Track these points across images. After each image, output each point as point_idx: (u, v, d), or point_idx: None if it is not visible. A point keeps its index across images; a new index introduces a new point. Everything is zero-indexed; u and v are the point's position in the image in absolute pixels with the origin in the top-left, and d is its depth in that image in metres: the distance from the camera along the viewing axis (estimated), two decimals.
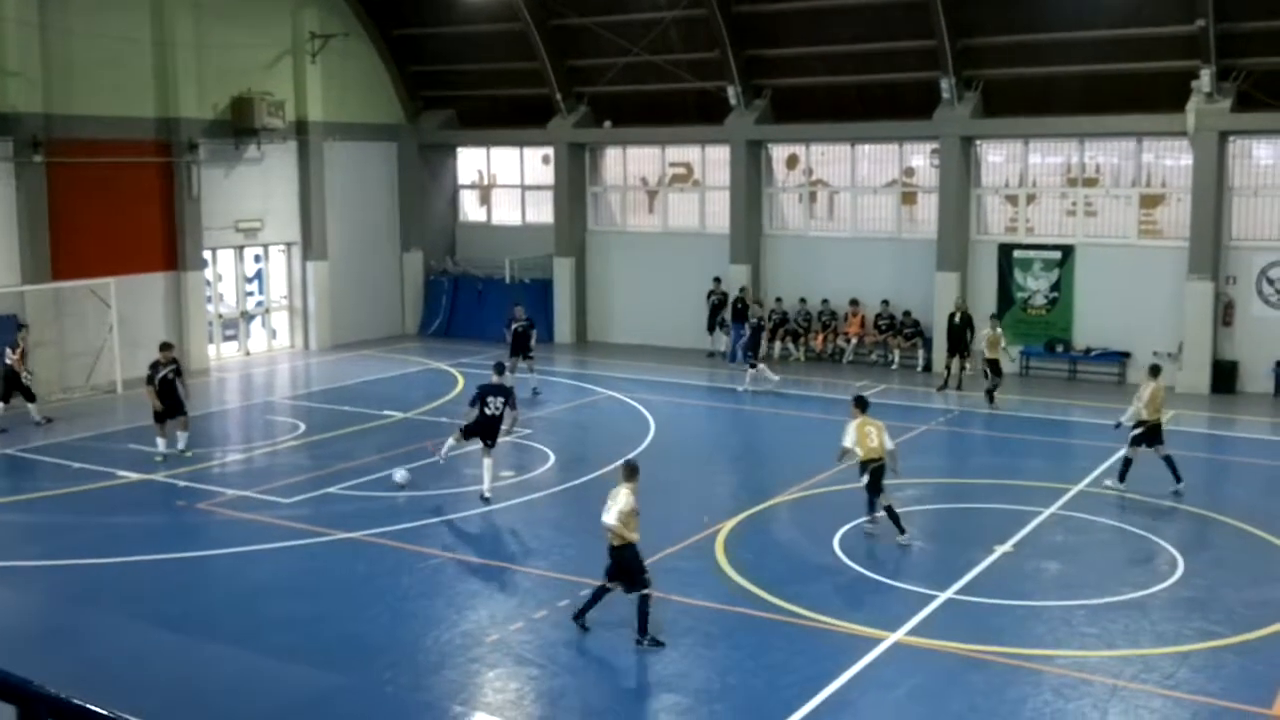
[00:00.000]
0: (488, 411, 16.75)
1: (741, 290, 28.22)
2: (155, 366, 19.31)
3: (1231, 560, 14.58)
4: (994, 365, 22.92)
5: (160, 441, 19.27)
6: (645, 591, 11.73)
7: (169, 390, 19.22)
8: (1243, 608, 12.86)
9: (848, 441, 15.09)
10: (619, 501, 11.84)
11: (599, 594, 12.08)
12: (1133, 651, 11.75)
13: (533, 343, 24.50)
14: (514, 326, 24.31)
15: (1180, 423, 21.71)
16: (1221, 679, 11.13)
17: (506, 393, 17.06)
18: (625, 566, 11.85)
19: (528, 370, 24.51)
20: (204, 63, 27.30)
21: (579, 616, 12.12)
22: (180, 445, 19.50)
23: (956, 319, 24.87)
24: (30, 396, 21.71)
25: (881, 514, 15.04)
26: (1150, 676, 11.15)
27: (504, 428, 17.10)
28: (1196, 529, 16.09)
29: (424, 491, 17.44)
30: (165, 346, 19.87)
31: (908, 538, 14.80)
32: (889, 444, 14.99)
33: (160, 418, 19.26)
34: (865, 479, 15.01)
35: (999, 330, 23.34)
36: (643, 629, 11.69)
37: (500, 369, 17.89)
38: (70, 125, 24.81)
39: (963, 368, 24.68)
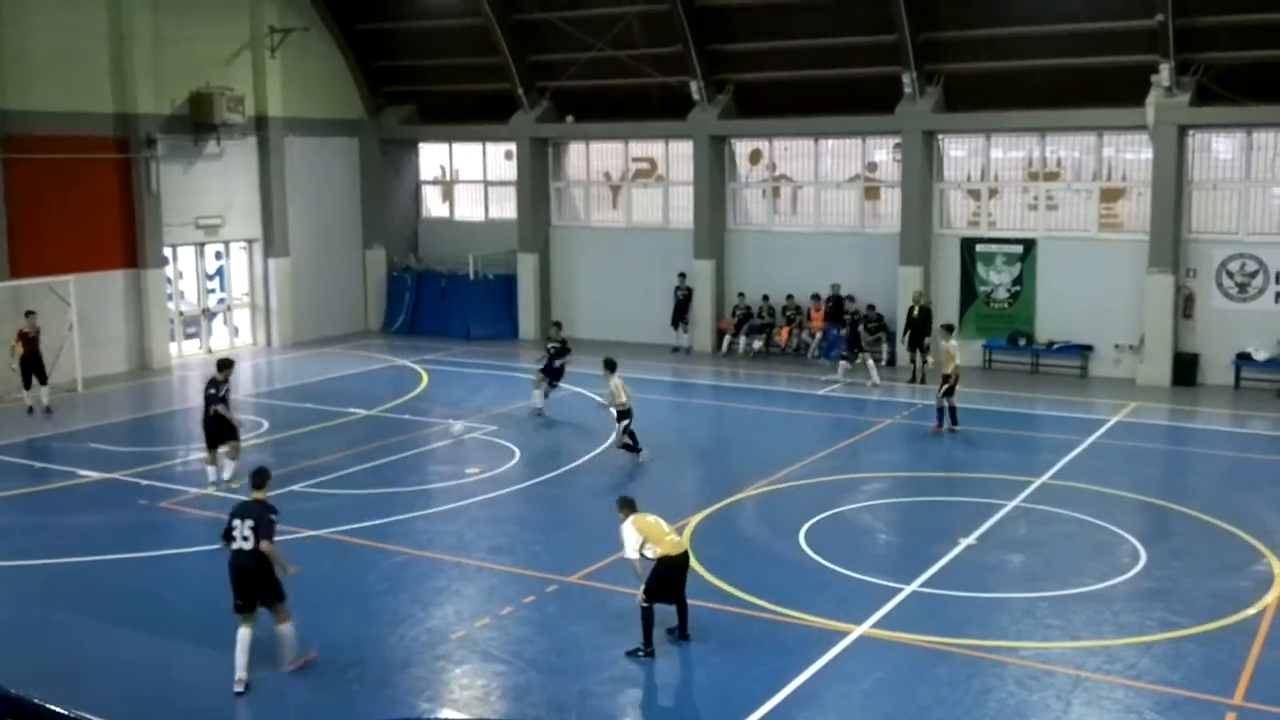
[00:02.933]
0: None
1: (834, 288, 27.59)
2: (216, 385, 17.27)
3: (1192, 551, 14.73)
4: (950, 386, 20.60)
5: (210, 470, 17.42)
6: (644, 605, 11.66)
7: (218, 414, 17.22)
8: (1204, 598, 13.00)
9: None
10: (627, 539, 11.86)
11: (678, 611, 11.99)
12: (1096, 642, 11.85)
13: (562, 365, 22.91)
14: (550, 347, 23.06)
15: (1142, 415, 21.93)
16: (1183, 669, 11.24)
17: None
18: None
19: (911, 360, 25.02)
20: (162, 57, 26.98)
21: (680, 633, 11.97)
22: (227, 475, 17.34)
23: (915, 312, 25.02)
24: (43, 379, 22.33)
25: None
26: (1113, 667, 11.26)
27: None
28: (1158, 520, 16.25)
29: (389, 489, 17.34)
30: (225, 364, 17.65)
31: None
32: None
33: (213, 443, 17.34)
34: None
35: (953, 344, 21.10)
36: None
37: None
38: (27, 121, 24.47)
39: (925, 361, 24.80)
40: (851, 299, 27.56)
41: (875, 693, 10.93)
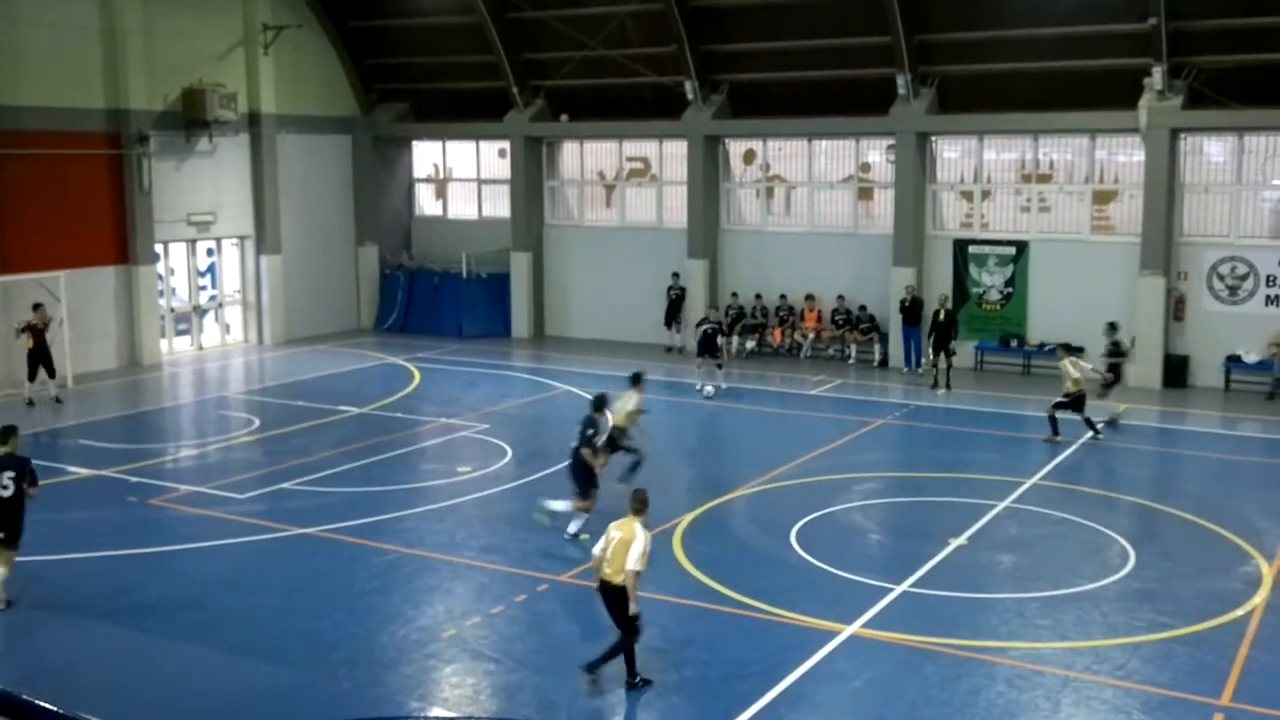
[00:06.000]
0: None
1: (908, 289, 26.42)
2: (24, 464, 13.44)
3: (1181, 552, 14.77)
4: (1069, 402, 20.35)
5: None
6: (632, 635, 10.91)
7: None
8: (1192, 599, 13.04)
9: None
10: (638, 548, 10.63)
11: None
12: (1085, 643, 11.88)
13: (720, 343, 24.81)
14: (704, 328, 24.38)
15: (1132, 416, 21.98)
16: (1171, 669, 11.28)
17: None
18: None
19: (715, 370, 24.64)
20: (154, 53, 26.93)
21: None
22: None
23: (941, 315, 24.63)
24: (51, 373, 22.49)
25: None
26: (1102, 667, 11.29)
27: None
28: (1148, 522, 16.29)
29: (381, 487, 17.33)
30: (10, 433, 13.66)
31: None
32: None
33: None
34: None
35: (1069, 362, 20.65)
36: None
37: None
38: (18, 116, 24.41)
39: (949, 365, 24.46)
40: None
41: (865, 692, 10.94)
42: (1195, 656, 11.55)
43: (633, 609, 10.63)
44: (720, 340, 24.78)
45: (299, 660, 11.47)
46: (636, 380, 17.54)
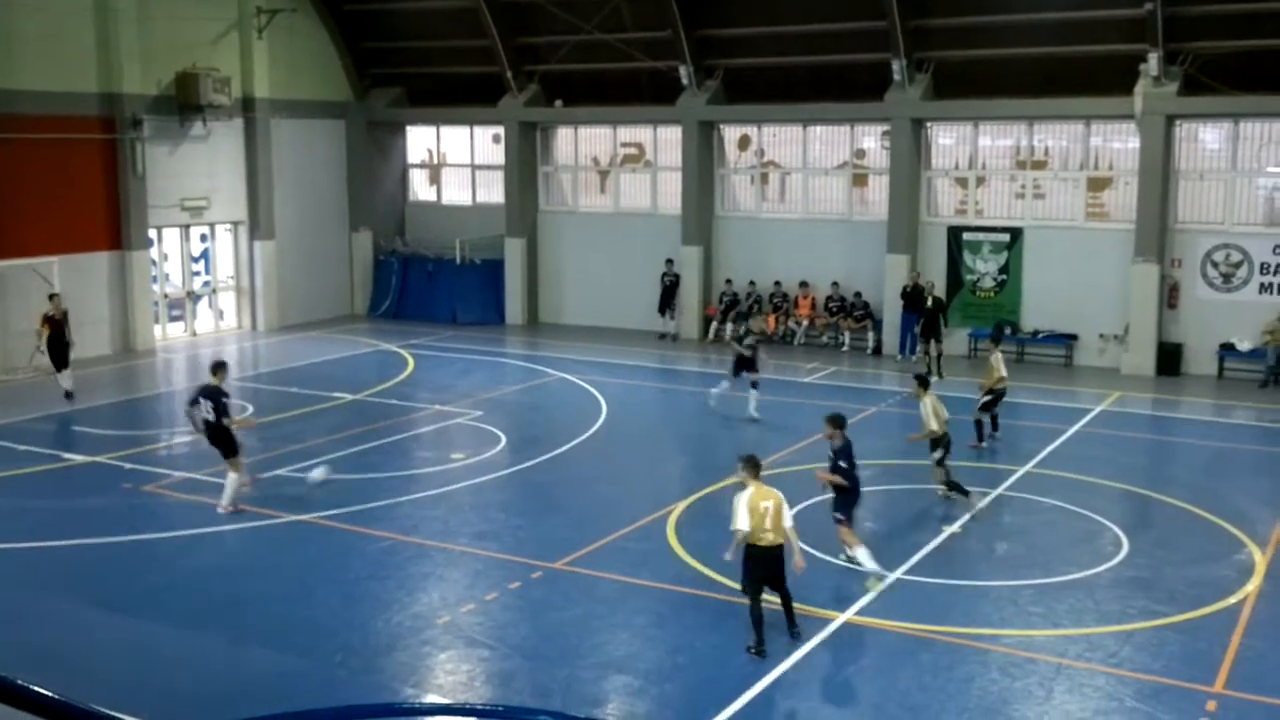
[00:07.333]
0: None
1: (912, 275, 26.01)
2: (215, 395, 15.40)
3: (1175, 540, 14.82)
4: (990, 400, 19.14)
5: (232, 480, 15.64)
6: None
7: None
8: (1185, 587, 13.08)
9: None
10: (738, 512, 11.44)
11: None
12: (1078, 630, 11.92)
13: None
14: (748, 341, 20.99)
15: (1125, 404, 22.02)
16: (1165, 657, 11.32)
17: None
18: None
19: (925, 353, 24.44)
20: (148, 36, 26.80)
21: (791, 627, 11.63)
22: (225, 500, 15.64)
23: (929, 302, 24.61)
24: (64, 363, 21.84)
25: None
26: (1095, 655, 11.32)
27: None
28: (1141, 509, 16.34)
29: (375, 474, 17.33)
30: (221, 367, 15.91)
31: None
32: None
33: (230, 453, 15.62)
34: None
35: (998, 355, 19.33)
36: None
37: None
38: (10, 100, 24.28)
39: (939, 353, 24.30)
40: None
41: (858, 680, 10.97)
42: (1188, 644, 11.59)
43: (798, 561, 11.49)
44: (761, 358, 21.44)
45: (294, 646, 11.48)
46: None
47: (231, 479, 15.49)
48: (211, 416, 15.31)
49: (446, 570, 13.71)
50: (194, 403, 15.62)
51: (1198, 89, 23.91)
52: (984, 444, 18.95)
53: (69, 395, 21.76)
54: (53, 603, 12.56)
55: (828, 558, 13.87)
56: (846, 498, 13.56)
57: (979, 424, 19.07)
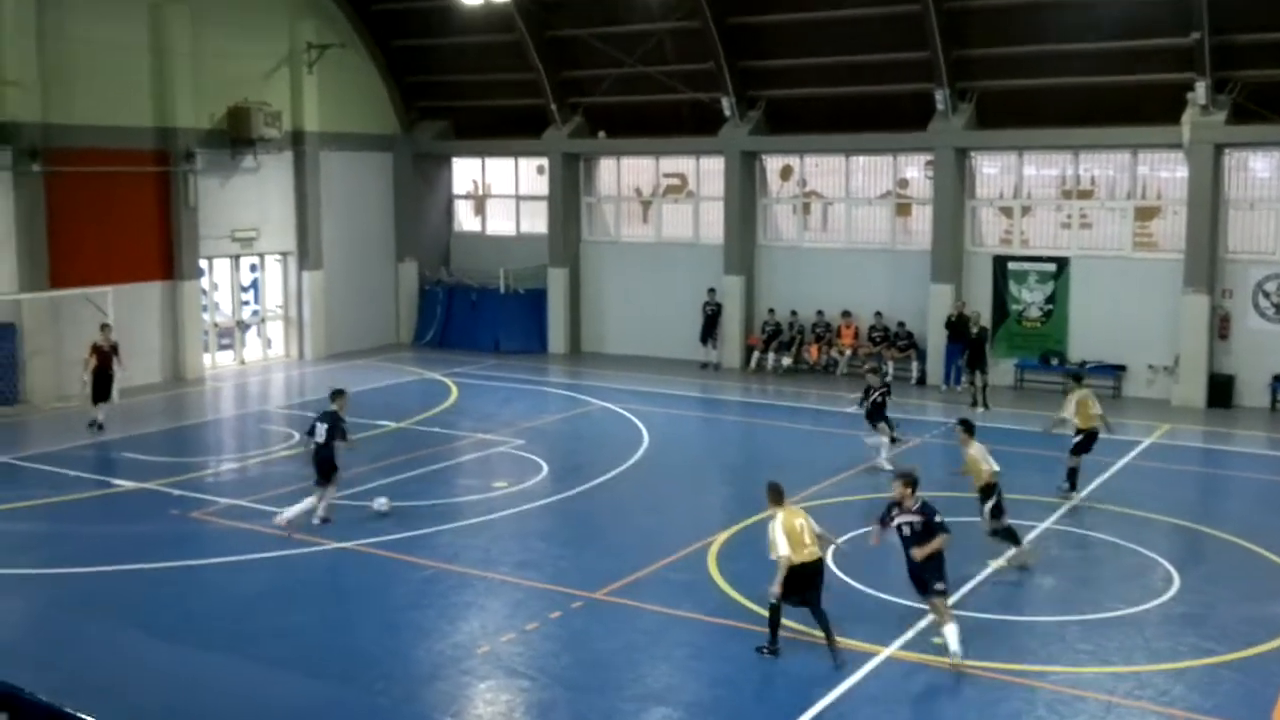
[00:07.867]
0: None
1: (961, 304, 25.76)
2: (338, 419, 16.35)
3: (1227, 576, 14.54)
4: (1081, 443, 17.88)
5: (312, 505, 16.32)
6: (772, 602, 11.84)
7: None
8: (1238, 624, 12.82)
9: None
10: (777, 540, 11.79)
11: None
12: (1127, 668, 11.71)
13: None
14: (874, 396, 19.67)
15: (1176, 437, 21.70)
16: (1217, 695, 11.10)
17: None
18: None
19: (970, 383, 24.47)
20: (201, 72, 27.30)
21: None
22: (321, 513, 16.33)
23: (974, 332, 24.44)
24: (105, 396, 21.99)
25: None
26: (1145, 693, 11.12)
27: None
28: (1192, 544, 16.06)
29: (417, 501, 17.40)
30: (340, 394, 16.82)
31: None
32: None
33: (325, 478, 16.35)
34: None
35: (1081, 394, 17.99)
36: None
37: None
38: (68, 134, 24.79)
39: (985, 383, 24.08)
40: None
41: (902, 715, 10.84)
42: (1241, 683, 11.36)
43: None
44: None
45: (335, 675, 11.52)
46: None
47: (309, 502, 16.08)
48: (322, 439, 16.07)
49: (487, 599, 13.72)
50: (311, 430, 16.35)
51: (1246, 117, 23.64)
52: (1075, 493, 17.64)
53: (98, 426, 21.68)
54: (100, 629, 12.71)
55: (870, 590, 13.75)
56: (939, 561, 12.01)
57: (1073, 471, 17.73)
